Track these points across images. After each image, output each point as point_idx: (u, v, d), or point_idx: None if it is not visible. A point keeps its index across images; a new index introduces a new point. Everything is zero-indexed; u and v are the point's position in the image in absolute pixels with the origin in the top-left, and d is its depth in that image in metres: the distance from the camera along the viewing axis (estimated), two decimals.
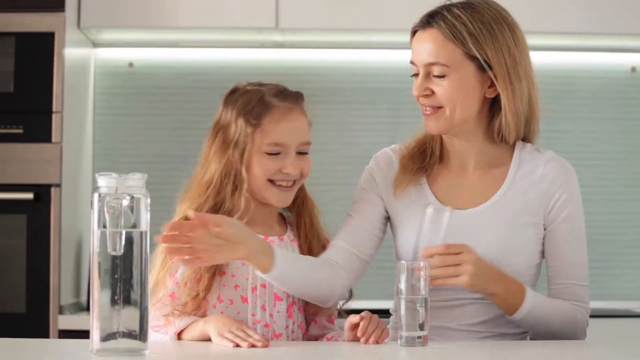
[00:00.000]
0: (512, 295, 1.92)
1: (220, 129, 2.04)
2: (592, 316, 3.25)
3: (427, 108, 1.99)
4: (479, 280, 1.87)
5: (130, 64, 3.69)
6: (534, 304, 1.94)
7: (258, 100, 2.03)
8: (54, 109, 3.16)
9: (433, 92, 1.98)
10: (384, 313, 2.17)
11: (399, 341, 1.78)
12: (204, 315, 1.94)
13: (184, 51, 3.70)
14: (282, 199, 2.02)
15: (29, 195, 3.13)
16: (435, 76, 1.97)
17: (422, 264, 1.76)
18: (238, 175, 1.98)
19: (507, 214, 2.00)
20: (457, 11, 1.97)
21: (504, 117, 1.99)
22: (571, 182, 2.05)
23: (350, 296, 2.11)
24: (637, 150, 3.73)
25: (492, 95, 1.99)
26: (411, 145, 2.10)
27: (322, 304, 2.02)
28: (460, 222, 2.00)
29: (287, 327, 2.01)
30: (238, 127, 1.99)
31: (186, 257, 1.77)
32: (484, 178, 2.04)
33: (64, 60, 3.18)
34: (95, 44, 3.64)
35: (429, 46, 1.97)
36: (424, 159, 2.07)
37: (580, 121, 3.72)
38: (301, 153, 2.02)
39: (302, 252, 2.07)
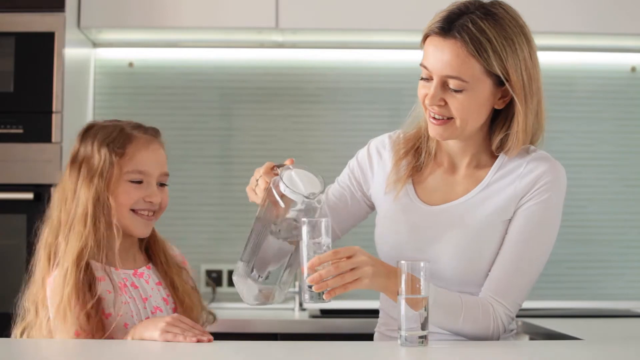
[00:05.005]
0: None
1: (82, 162, 2.06)
2: (592, 316, 3.28)
3: (437, 116, 1.95)
4: (377, 279, 1.83)
5: (130, 64, 3.69)
6: (433, 298, 1.87)
7: (119, 132, 2.08)
8: (54, 109, 3.16)
9: (446, 103, 1.93)
10: (377, 313, 2.17)
11: (399, 340, 1.77)
12: None
13: (184, 51, 3.71)
14: (144, 229, 2.07)
15: (29, 195, 3.13)
16: (451, 88, 1.91)
17: (422, 264, 1.76)
18: (106, 203, 2.03)
19: (478, 212, 1.98)
20: (481, 23, 1.89)
21: (514, 134, 1.96)
22: (556, 186, 1.98)
23: (214, 319, 2.18)
24: (637, 150, 3.73)
25: (501, 107, 1.97)
26: (408, 146, 2.10)
27: None
28: (431, 216, 2.01)
29: None
30: (102, 157, 2.04)
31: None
32: (468, 178, 2.04)
33: (64, 60, 3.18)
34: (95, 44, 3.65)
35: (449, 58, 1.90)
36: (419, 157, 2.07)
37: (580, 121, 3.72)
38: (161, 185, 2.11)
39: (167, 285, 2.12)
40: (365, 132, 3.73)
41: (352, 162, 2.17)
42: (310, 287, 1.77)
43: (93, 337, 1.93)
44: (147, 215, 2.07)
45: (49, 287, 2.00)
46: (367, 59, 3.72)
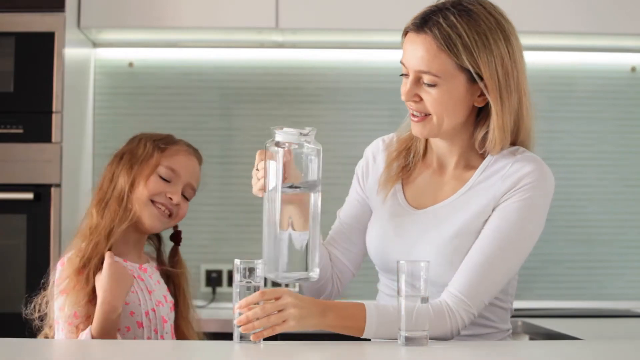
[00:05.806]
0: (350, 318, 1.84)
1: (125, 153, 2.22)
2: (592, 316, 3.28)
3: (415, 112, 1.97)
4: (306, 320, 1.82)
5: (130, 64, 3.69)
6: (381, 316, 1.84)
7: (167, 135, 2.26)
8: (54, 109, 3.16)
9: (421, 99, 1.95)
10: None
11: (398, 340, 1.78)
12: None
13: (184, 51, 3.71)
14: (155, 221, 2.17)
15: (29, 195, 3.13)
16: (425, 84, 1.94)
17: (422, 264, 1.76)
18: (137, 189, 2.17)
19: (461, 213, 1.96)
20: (453, 19, 1.90)
21: (491, 131, 1.94)
22: (540, 187, 1.93)
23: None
24: (637, 150, 3.73)
25: (482, 105, 1.95)
26: (401, 147, 2.10)
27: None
28: (416, 218, 2.00)
29: None
30: (146, 148, 2.20)
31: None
32: (455, 179, 2.02)
33: (64, 60, 3.18)
34: (95, 44, 3.65)
35: (421, 53, 1.94)
36: (409, 157, 2.08)
37: (580, 121, 3.72)
38: (185, 197, 2.21)
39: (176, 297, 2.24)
40: (365, 132, 3.74)
41: (355, 174, 2.16)
42: (239, 327, 1.79)
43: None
44: (163, 210, 2.16)
45: (62, 266, 2.09)
46: (367, 59, 3.72)
